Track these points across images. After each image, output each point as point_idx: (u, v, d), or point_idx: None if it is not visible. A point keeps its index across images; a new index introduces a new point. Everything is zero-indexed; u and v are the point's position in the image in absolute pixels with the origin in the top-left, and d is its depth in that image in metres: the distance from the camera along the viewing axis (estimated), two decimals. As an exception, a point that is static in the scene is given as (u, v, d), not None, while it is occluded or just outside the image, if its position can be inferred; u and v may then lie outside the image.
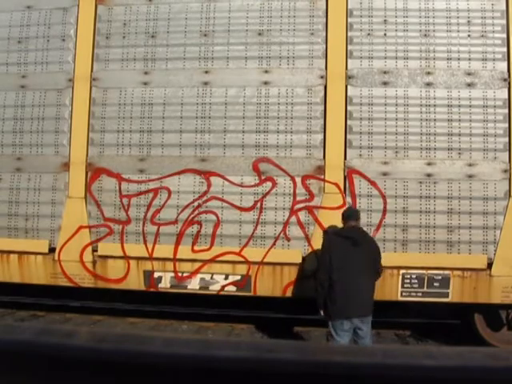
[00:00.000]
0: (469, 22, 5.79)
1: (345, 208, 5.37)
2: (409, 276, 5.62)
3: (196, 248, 5.90)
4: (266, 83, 5.96)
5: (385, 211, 5.67)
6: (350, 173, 5.74)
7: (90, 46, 6.24)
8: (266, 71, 5.98)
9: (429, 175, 5.67)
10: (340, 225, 5.08)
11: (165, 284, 5.97)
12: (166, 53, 6.16)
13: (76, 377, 0.91)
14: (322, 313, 4.81)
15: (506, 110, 5.64)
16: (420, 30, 5.83)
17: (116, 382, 0.90)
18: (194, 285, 5.92)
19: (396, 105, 5.77)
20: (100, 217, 6.08)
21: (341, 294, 4.52)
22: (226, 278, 5.88)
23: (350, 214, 4.95)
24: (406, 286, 5.63)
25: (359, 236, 4.79)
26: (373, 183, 5.72)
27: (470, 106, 5.69)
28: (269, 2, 6.06)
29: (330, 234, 5.19)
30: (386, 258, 5.61)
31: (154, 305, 7.06)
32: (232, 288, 5.89)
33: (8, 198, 6.24)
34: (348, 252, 4.62)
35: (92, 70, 6.22)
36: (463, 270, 5.56)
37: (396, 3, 5.89)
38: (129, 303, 7.18)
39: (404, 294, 5.65)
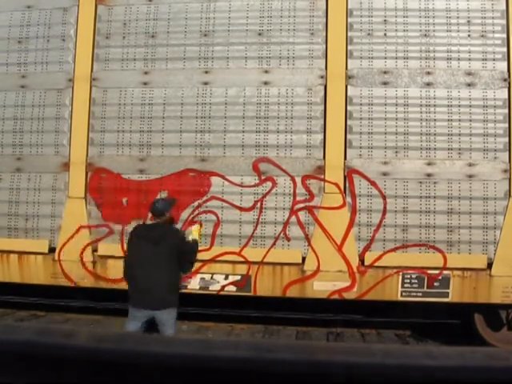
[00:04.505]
0: (469, 21, 5.79)
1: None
2: (409, 276, 5.62)
3: (196, 248, 5.90)
4: (266, 83, 5.96)
5: (385, 211, 5.67)
6: (349, 173, 5.74)
7: (90, 46, 6.23)
8: (266, 71, 5.98)
9: (429, 175, 5.67)
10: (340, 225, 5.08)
11: (165, 284, 5.96)
12: (166, 53, 6.16)
13: (76, 377, 0.91)
14: None
15: (506, 110, 5.64)
16: (420, 30, 5.83)
17: (116, 381, 0.90)
18: (193, 285, 5.92)
19: (396, 105, 5.77)
20: (100, 217, 6.09)
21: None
22: (226, 278, 5.88)
23: (151, 210, 4.71)
24: (405, 285, 5.63)
25: (157, 232, 4.56)
26: (373, 183, 5.72)
27: (470, 106, 5.69)
28: (269, 2, 6.05)
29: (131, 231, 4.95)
30: (387, 258, 5.66)
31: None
32: (232, 288, 5.88)
33: (8, 198, 6.24)
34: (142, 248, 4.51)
35: (92, 70, 6.22)
36: (463, 269, 5.56)
37: (396, 3, 5.89)
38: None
39: (404, 294, 5.65)
